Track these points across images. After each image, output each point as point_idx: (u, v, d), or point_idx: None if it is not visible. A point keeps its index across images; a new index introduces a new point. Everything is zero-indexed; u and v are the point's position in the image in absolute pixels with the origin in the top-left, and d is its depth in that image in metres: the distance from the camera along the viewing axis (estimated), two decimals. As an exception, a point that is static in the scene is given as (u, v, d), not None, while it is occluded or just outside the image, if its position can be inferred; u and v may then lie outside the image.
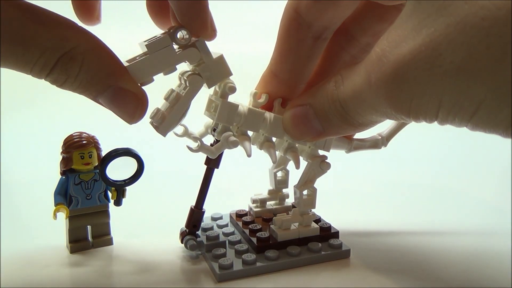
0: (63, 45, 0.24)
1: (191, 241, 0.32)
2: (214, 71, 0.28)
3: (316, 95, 0.27)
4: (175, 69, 0.28)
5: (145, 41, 0.27)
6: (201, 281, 0.30)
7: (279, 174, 0.36)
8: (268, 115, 0.30)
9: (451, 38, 0.18)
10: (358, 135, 0.34)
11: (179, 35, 0.27)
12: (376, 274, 0.30)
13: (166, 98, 0.28)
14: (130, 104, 0.26)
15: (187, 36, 0.27)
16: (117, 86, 0.26)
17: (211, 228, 0.35)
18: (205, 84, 0.28)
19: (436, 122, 0.21)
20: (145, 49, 0.27)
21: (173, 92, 0.28)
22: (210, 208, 0.36)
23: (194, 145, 0.29)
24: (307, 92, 0.28)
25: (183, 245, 0.32)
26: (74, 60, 0.24)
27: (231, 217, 0.37)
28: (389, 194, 0.46)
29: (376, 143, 0.35)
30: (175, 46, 0.27)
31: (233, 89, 0.29)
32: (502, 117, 0.19)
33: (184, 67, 0.29)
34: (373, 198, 0.45)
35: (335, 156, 0.33)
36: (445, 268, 0.31)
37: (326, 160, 0.32)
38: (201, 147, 0.29)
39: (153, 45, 0.26)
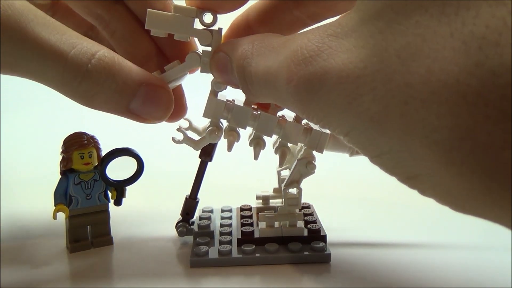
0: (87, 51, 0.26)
1: (182, 228, 0.34)
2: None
3: (233, 52, 0.26)
4: (187, 39, 0.30)
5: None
6: (177, 264, 0.31)
7: (283, 173, 0.36)
8: (257, 112, 0.30)
9: (376, 86, 0.18)
10: None
11: (205, 17, 0.28)
12: (356, 281, 0.29)
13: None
14: (164, 98, 0.28)
15: (210, 21, 0.28)
16: (147, 82, 0.27)
17: (208, 218, 0.36)
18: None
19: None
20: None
21: (173, 62, 0.30)
22: (226, 202, 0.38)
23: (179, 137, 0.31)
24: (231, 42, 0.27)
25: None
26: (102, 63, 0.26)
27: (237, 210, 0.38)
28: (394, 203, 0.44)
29: None
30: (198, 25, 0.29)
31: (220, 87, 0.30)
32: (396, 171, 0.20)
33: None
34: (378, 206, 0.44)
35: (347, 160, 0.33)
36: (437, 284, 0.30)
37: (313, 162, 0.32)
38: (185, 139, 0.31)
39: (179, 8, 0.28)
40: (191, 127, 0.32)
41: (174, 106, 0.29)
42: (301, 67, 0.21)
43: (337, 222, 0.37)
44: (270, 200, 0.37)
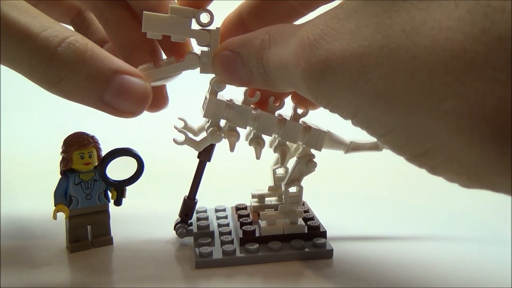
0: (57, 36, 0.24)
1: (181, 229, 0.34)
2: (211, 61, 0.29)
3: (245, 46, 0.26)
4: (184, 40, 0.29)
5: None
6: (181, 266, 0.31)
7: (279, 171, 0.37)
8: (257, 112, 0.31)
9: (381, 62, 0.18)
10: (357, 138, 0.34)
11: (202, 17, 0.28)
12: (357, 276, 0.30)
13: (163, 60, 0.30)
14: (139, 89, 0.26)
15: (207, 21, 0.28)
16: (122, 71, 0.26)
17: (206, 219, 0.36)
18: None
19: (350, 122, 0.22)
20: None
21: (171, 59, 0.30)
22: (218, 201, 0.38)
23: (180, 138, 0.31)
24: (239, 38, 0.27)
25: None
26: (76, 50, 0.24)
27: (232, 210, 0.38)
28: (390, 198, 0.46)
29: (377, 145, 0.35)
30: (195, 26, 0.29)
31: (221, 86, 0.30)
32: (405, 149, 0.20)
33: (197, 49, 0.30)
34: (375, 202, 0.45)
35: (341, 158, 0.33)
36: (438, 278, 0.30)
37: (314, 159, 0.32)
38: (186, 140, 0.31)
39: (176, 9, 0.28)
40: (186, 127, 0.32)
41: (155, 97, 0.28)
42: (306, 51, 0.21)
43: (331, 218, 0.37)
44: (265, 198, 0.37)
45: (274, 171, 0.36)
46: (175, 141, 0.31)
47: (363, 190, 0.48)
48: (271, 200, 0.37)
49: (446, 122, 0.17)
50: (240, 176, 0.50)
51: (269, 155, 0.33)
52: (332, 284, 0.29)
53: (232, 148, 0.31)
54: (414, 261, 0.32)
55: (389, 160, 0.52)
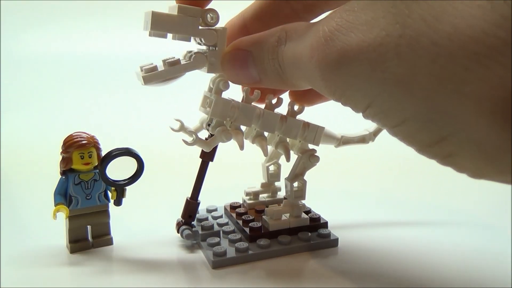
0: None
1: (187, 231, 0.33)
2: (220, 61, 0.29)
3: (258, 45, 0.27)
4: (189, 40, 0.29)
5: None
6: (197, 268, 0.31)
7: (271, 167, 0.37)
8: (260, 110, 0.31)
9: (400, 51, 0.18)
10: (346, 131, 0.36)
11: (208, 16, 0.28)
12: (362, 262, 0.31)
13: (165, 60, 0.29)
14: None
15: (214, 20, 0.29)
16: None
17: (206, 219, 0.36)
18: (204, 68, 0.30)
19: (361, 115, 0.22)
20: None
21: (176, 59, 0.29)
22: (206, 201, 0.37)
23: (189, 139, 0.31)
24: (251, 37, 0.28)
25: (179, 235, 0.34)
26: None
27: (225, 209, 0.38)
28: (385, 189, 0.47)
29: (364, 138, 0.37)
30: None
31: (226, 86, 0.30)
32: (419, 138, 0.20)
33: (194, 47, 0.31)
34: (368, 193, 0.46)
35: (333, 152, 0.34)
36: (439, 262, 0.32)
37: (315, 154, 0.33)
38: (196, 141, 0.31)
39: (183, 8, 0.28)
40: (183, 128, 0.31)
41: None
42: (321, 43, 0.22)
43: (326, 210, 0.38)
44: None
45: (267, 168, 0.37)
46: (185, 142, 0.31)
47: (357, 183, 0.49)
48: (263, 196, 0.38)
49: (467, 105, 0.17)
50: (218, 176, 0.50)
51: (244, 153, 0.33)
52: (342, 271, 0.30)
53: (242, 147, 0.31)
54: (414, 246, 0.33)
55: (382, 155, 0.52)
